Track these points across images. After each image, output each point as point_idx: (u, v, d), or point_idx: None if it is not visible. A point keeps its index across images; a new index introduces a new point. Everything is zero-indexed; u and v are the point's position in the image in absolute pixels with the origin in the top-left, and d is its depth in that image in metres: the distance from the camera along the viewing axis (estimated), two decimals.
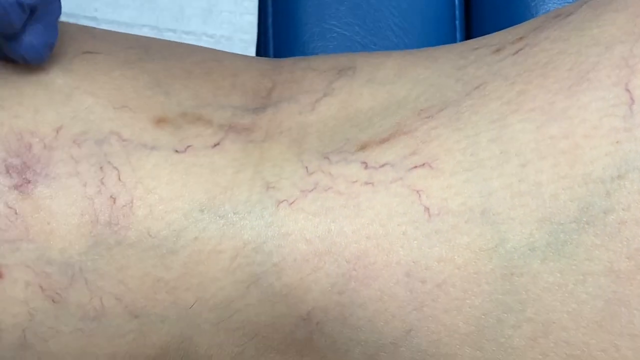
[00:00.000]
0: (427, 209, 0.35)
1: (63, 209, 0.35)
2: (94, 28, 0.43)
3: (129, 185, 0.36)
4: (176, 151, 0.37)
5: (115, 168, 0.36)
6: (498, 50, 0.38)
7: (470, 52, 0.40)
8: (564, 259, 0.34)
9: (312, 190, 0.36)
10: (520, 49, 0.38)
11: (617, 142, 0.34)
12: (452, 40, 0.64)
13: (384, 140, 0.37)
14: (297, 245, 0.35)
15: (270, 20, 0.63)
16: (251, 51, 0.59)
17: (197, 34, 0.58)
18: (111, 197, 0.35)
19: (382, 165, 0.36)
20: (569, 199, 0.34)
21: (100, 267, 0.35)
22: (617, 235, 0.33)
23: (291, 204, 0.36)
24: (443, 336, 0.35)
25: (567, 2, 0.61)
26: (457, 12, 0.64)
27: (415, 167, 0.36)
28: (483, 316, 0.35)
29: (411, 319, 0.35)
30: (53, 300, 0.36)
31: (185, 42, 0.57)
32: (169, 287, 0.36)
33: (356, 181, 0.36)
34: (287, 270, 0.35)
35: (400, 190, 0.35)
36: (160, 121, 0.37)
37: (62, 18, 0.53)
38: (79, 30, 0.41)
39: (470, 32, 0.66)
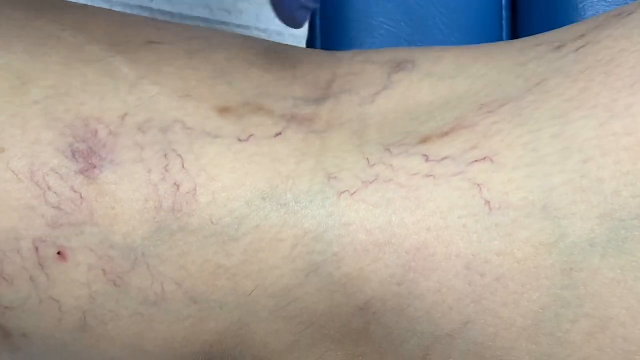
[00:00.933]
0: (487, 202, 0.35)
1: (127, 194, 0.36)
2: (156, 19, 0.43)
3: (192, 172, 0.36)
4: (239, 140, 0.37)
5: (179, 155, 0.36)
6: (559, 47, 0.39)
7: (530, 48, 0.40)
8: (624, 255, 0.34)
9: (373, 181, 0.36)
10: (582, 46, 0.38)
11: None
12: (499, 39, 0.64)
13: (444, 134, 0.37)
14: (357, 235, 0.35)
15: (318, 16, 0.63)
16: (304, 39, 0.60)
17: (249, 27, 0.58)
18: (175, 183, 0.36)
19: (443, 159, 0.36)
20: (630, 195, 0.34)
21: (162, 253, 0.36)
22: None
23: (352, 194, 0.36)
24: (500, 329, 0.35)
25: (616, 4, 0.61)
26: (504, 12, 0.64)
27: (476, 160, 0.36)
28: (541, 310, 0.35)
29: (469, 311, 0.35)
30: (114, 284, 0.36)
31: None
32: (229, 273, 0.36)
33: (417, 173, 0.36)
34: (346, 260, 0.35)
35: (460, 183, 0.35)
36: (223, 110, 0.38)
37: (117, 7, 0.54)
38: (142, 21, 0.42)
39: (516, 31, 0.66)
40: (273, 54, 0.41)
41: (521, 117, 0.36)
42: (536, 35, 0.42)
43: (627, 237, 0.34)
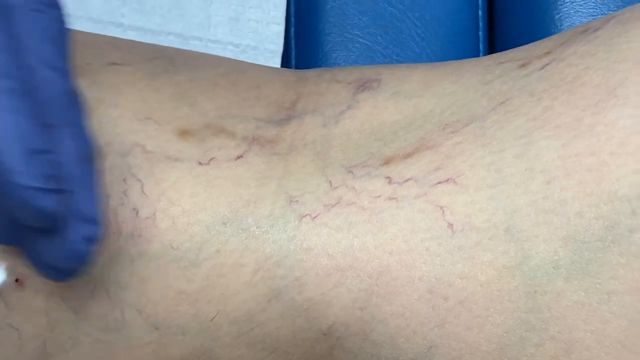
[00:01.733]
0: (450, 225, 0.35)
1: None
2: (120, 39, 0.43)
3: (152, 197, 0.36)
4: (200, 163, 0.37)
5: (139, 180, 0.36)
6: (524, 65, 0.38)
7: (496, 66, 0.39)
8: (588, 278, 0.34)
9: (335, 204, 0.36)
10: (547, 64, 0.37)
11: None
12: (475, 50, 0.64)
13: (408, 155, 0.37)
14: (319, 259, 0.35)
15: (292, 30, 0.63)
16: (276, 61, 0.59)
17: (223, 42, 0.58)
18: (134, 209, 0.35)
19: (406, 180, 0.36)
20: (594, 217, 0.34)
21: (122, 279, 0.35)
22: None
23: (314, 218, 0.36)
24: (464, 354, 0.35)
25: (592, 15, 0.61)
26: (480, 23, 0.64)
27: (440, 182, 0.35)
28: (505, 334, 0.34)
29: (433, 335, 0.35)
30: (74, 311, 0.36)
31: (211, 50, 0.57)
32: (191, 299, 0.36)
33: (380, 196, 0.36)
34: (308, 285, 0.35)
35: (424, 205, 0.35)
36: (184, 133, 0.37)
37: (89, 24, 0.54)
38: (104, 42, 0.41)
39: (493, 43, 0.66)
40: (237, 73, 0.41)
41: (485, 137, 0.36)
42: (503, 52, 0.41)
43: (590, 260, 0.34)
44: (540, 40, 0.41)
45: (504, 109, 0.37)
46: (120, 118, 0.37)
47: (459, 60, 0.43)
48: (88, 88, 0.38)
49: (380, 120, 0.39)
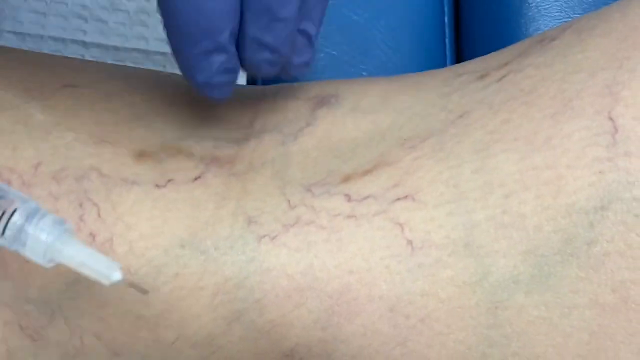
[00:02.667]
0: (410, 242, 0.35)
1: None
2: (75, 59, 0.42)
3: (109, 221, 0.35)
4: (157, 186, 0.36)
5: (95, 204, 0.35)
6: (483, 77, 0.38)
7: (454, 78, 0.39)
8: (548, 292, 0.33)
9: (294, 224, 0.35)
10: (504, 76, 0.37)
11: (600, 172, 0.33)
12: (442, 57, 0.63)
13: (367, 172, 0.36)
14: (279, 281, 0.35)
15: None
16: (242, 75, 0.59)
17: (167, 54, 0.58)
18: (91, 234, 0.35)
19: (365, 198, 0.36)
20: (552, 230, 0.33)
21: (80, 305, 0.35)
22: (601, 267, 0.33)
23: (273, 239, 0.35)
24: None
25: (558, 19, 0.61)
26: (446, 30, 0.64)
27: (398, 199, 0.35)
28: (467, 351, 0.34)
29: (395, 354, 0.35)
30: (32, 339, 0.35)
31: (174, 66, 0.57)
32: (150, 324, 0.35)
33: (339, 214, 0.35)
34: (269, 307, 0.35)
35: (383, 223, 0.35)
36: (141, 155, 0.37)
37: (50, 42, 0.53)
38: (59, 63, 0.41)
39: (460, 49, 0.66)
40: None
41: (443, 152, 0.36)
42: (463, 64, 0.41)
43: (550, 274, 0.34)
44: (499, 51, 0.41)
45: (463, 122, 0.37)
46: (75, 141, 0.37)
47: (419, 73, 0.42)
48: (42, 111, 0.37)
49: (339, 137, 0.39)
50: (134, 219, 0.35)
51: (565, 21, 0.60)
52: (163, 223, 0.36)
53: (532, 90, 0.36)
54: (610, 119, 0.34)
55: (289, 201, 0.36)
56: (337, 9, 0.62)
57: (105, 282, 0.31)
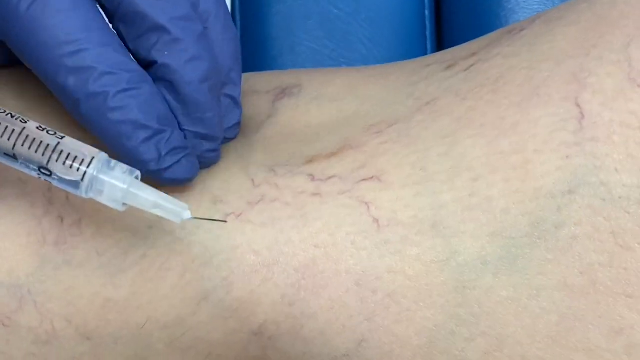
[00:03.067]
0: (376, 220, 0.35)
1: (10, 229, 0.35)
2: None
3: (77, 204, 0.35)
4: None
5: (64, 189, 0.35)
6: (450, 67, 0.38)
7: (422, 68, 0.39)
8: (516, 274, 0.34)
9: (259, 202, 0.36)
10: (472, 65, 0.38)
11: (567, 156, 0.33)
12: (423, 50, 0.64)
13: (331, 155, 0.37)
14: (245, 257, 0.35)
15: (238, 35, 0.63)
16: None
17: None
18: (59, 216, 0.35)
19: (330, 178, 0.36)
20: (520, 213, 0.34)
21: (49, 289, 0.35)
22: (569, 250, 0.33)
23: (239, 216, 0.35)
24: (395, 347, 0.35)
25: (537, 11, 0.61)
26: (427, 23, 0.64)
27: (364, 179, 0.35)
28: (435, 328, 0.34)
29: (362, 329, 0.35)
30: (3, 324, 0.35)
31: None
32: (119, 306, 0.35)
33: (303, 192, 0.36)
34: (236, 284, 0.35)
35: (348, 201, 0.35)
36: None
37: None
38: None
39: (441, 42, 0.66)
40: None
41: (409, 137, 0.36)
42: (431, 55, 0.42)
43: (518, 255, 0.34)
44: (468, 42, 0.41)
45: (430, 109, 0.37)
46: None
47: (386, 64, 0.43)
48: (15, 99, 0.38)
49: (303, 124, 0.39)
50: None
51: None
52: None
53: (499, 79, 0.36)
54: (577, 105, 0.34)
55: (252, 180, 0.36)
56: (318, 3, 0.62)
57: (177, 220, 0.33)
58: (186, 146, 0.35)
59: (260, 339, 0.36)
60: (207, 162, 0.37)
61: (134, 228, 0.35)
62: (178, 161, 0.35)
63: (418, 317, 0.34)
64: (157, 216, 0.35)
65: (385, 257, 0.34)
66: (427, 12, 0.64)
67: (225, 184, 0.37)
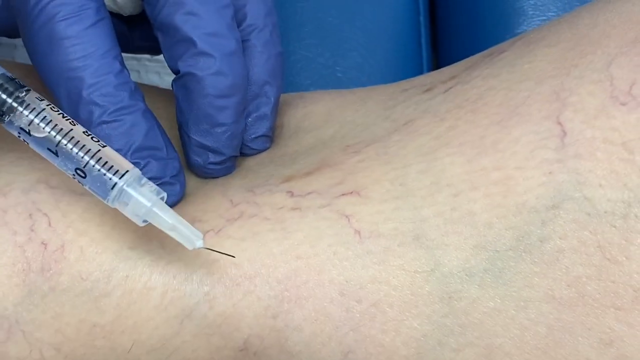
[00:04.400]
0: (357, 231, 0.35)
1: None
2: (29, 65, 0.42)
3: (60, 230, 0.35)
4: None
5: (45, 214, 0.35)
6: (428, 90, 0.39)
7: (400, 93, 0.40)
8: (502, 286, 0.33)
9: (238, 218, 0.36)
10: (451, 87, 0.38)
11: (550, 172, 0.33)
12: (418, 58, 0.63)
13: (309, 173, 0.37)
14: (226, 270, 0.35)
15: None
16: None
17: (160, 60, 0.58)
18: (42, 243, 0.35)
19: (309, 193, 0.36)
20: (504, 227, 0.33)
21: (36, 317, 0.35)
22: (555, 263, 0.33)
23: (218, 232, 0.36)
24: (382, 358, 0.35)
25: (532, 20, 0.61)
26: (422, 30, 0.64)
27: (343, 194, 0.35)
28: (423, 338, 0.34)
29: (348, 340, 0.35)
30: None
31: (149, 67, 0.57)
32: (105, 331, 0.35)
33: (282, 207, 0.36)
34: (219, 298, 0.35)
35: (328, 214, 0.35)
36: None
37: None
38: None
39: (436, 49, 0.66)
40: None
41: (387, 155, 0.36)
42: (409, 79, 0.42)
43: (504, 268, 0.33)
44: (447, 67, 0.42)
45: (407, 129, 0.37)
46: (20, 158, 0.37)
47: (365, 88, 0.43)
48: None
49: (281, 153, 0.40)
50: (85, 226, 0.36)
51: (540, 19, 0.60)
52: (112, 228, 0.36)
53: (478, 100, 0.36)
54: (559, 123, 0.34)
55: (231, 201, 0.37)
56: (312, 11, 0.62)
57: (189, 246, 0.34)
58: (162, 176, 0.37)
59: (245, 355, 0.36)
60: (210, 174, 0.39)
61: (116, 250, 0.35)
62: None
63: (405, 327, 0.34)
64: (138, 237, 0.36)
65: (369, 267, 0.34)
66: (421, 19, 0.64)
67: (203, 205, 0.37)
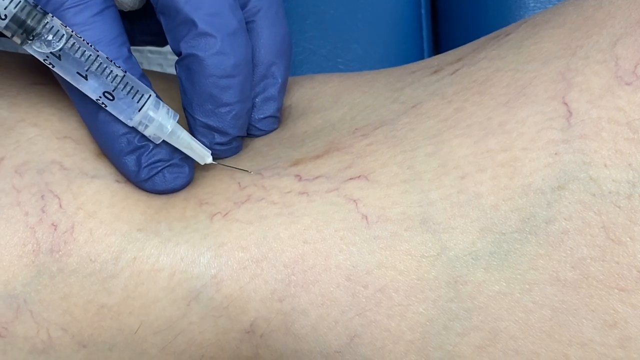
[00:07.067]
0: (365, 216, 0.35)
1: (5, 240, 0.35)
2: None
3: (70, 211, 0.36)
4: (117, 181, 0.37)
5: (57, 196, 0.36)
6: (436, 72, 0.39)
7: (408, 75, 0.40)
8: (508, 269, 0.34)
9: (245, 201, 0.36)
10: (458, 69, 0.38)
11: (556, 153, 0.33)
12: (420, 49, 0.64)
13: (317, 157, 0.37)
14: (233, 253, 0.35)
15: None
16: None
17: (163, 52, 0.58)
18: (52, 224, 0.35)
19: (317, 177, 0.36)
20: (509, 209, 0.34)
21: (45, 298, 0.35)
22: (560, 244, 0.33)
23: (225, 215, 0.36)
24: (388, 343, 0.35)
25: (535, 12, 0.61)
26: (423, 22, 0.64)
27: (351, 178, 0.36)
28: (428, 323, 0.34)
29: (354, 324, 0.35)
30: (0, 335, 0.35)
31: (151, 61, 0.57)
32: (113, 312, 0.35)
33: (290, 191, 0.36)
34: (226, 281, 0.35)
35: (336, 199, 0.35)
36: (102, 153, 0.38)
37: None
38: (32, 62, 0.41)
39: (438, 40, 0.66)
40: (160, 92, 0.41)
41: (395, 138, 0.36)
42: (417, 62, 0.42)
43: (509, 251, 0.34)
44: (454, 49, 0.42)
45: (415, 111, 0.37)
46: (38, 137, 0.37)
47: (373, 71, 0.44)
48: (7, 108, 0.38)
49: (289, 134, 0.40)
50: (95, 208, 0.36)
51: (543, 9, 0.60)
52: (122, 210, 0.36)
53: (485, 81, 0.37)
54: (565, 103, 0.34)
55: (239, 183, 0.37)
56: (314, 3, 0.62)
57: (201, 161, 0.37)
58: (170, 158, 0.37)
59: (252, 337, 0.36)
60: (217, 154, 0.39)
61: (125, 231, 0.36)
62: (157, 173, 0.37)
63: (410, 312, 0.34)
64: (146, 219, 0.36)
65: (375, 252, 0.35)
66: (423, 11, 0.64)
67: (211, 187, 0.37)
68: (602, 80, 0.34)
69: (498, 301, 0.34)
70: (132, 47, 0.39)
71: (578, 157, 0.33)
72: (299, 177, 0.36)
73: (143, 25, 0.43)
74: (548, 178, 0.33)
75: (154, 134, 0.36)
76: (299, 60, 0.62)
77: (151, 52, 0.59)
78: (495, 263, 0.34)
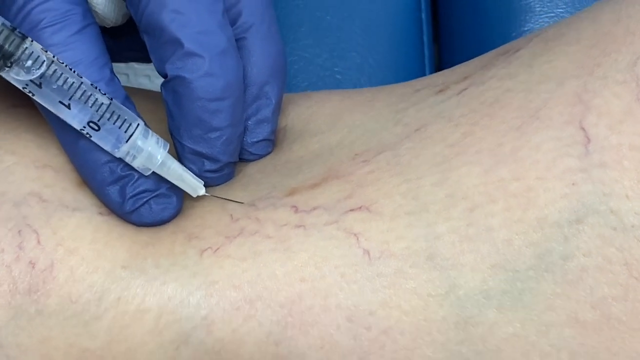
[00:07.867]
0: (366, 251, 0.33)
1: None
2: None
3: (49, 248, 0.33)
4: (100, 214, 0.35)
5: (35, 231, 0.33)
6: (441, 91, 0.36)
7: (412, 94, 0.38)
8: (522, 309, 0.31)
9: (237, 235, 0.34)
10: (465, 89, 0.36)
11: (574, 183, 0.31)
12: (420, 56, 0.61)
13: (315, 185, 0.35)
14: (225, 292, 0.33)
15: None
16: None
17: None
18: (30, 262, 0.33)
19: (314, 209, 0.34)
20: (524, 244, 0.31)
21: (22, 342, 0.33)
22: (579, 283, 0.31)
23: (216, 250, 0.33)
24: None
25: (539, 18, 0.59)
26: (424, 29, 0.62)
27: (352, 210, 0.33)
28: None
29: None
30: None
31: (138, 70, 0.55)
32: (96, 357, 0.33)
33: (286, 224, 0.34)
34: (217, 323, 0.33)
35: (335, 232, 0.33)
36: (83, 183, 0.35)
37: None
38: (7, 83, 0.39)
39: (438, 49, 0.64)
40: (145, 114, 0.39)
41: (399, 165, 0.34)
42: (421, 79, 0.40)
43: (524, 289, 0.31)
44: (459, 65, 0.39)
45: (419, 136, 0.35)
46: (16, 165, 0.35)
47: (374, 88, 0.41)
48: None
49: (285, 159, 0.37)
50: (76, 244, 0.33)
51: (547, 16, 0.58)
52: (105, 246, 0.34)
53: (494, 102, 0.34)
54: (582, 128, 0.32)
55: (231, 215, 0.35)
56: (310, 10, 0.60)
57: (193, 194, 0.35)
58: (156, 188, 0.35)
59: None
60: (207, 182, 0.36)
61: (108, 269, 0.33)
62: (143, 204, 0.34)
63: (417, 356, 0.32)
64: (131, 256, 0.34)
65: (379, 291, 0.32)
66: (423, 17, 0.62)
67: (201, 220, 0.35)
68: (623, 102, 0.32)
69: (512, 344, 0.32)
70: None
71: (597, 187, 0.31)
72: (295, 209, 0.34)
73: (128, 42, 0.40)
74: (565, 210, 0.31)
75: (143, 165, 0.34)
76: (295, 70, 0.59)
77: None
78: (508, 303, 0.31)
